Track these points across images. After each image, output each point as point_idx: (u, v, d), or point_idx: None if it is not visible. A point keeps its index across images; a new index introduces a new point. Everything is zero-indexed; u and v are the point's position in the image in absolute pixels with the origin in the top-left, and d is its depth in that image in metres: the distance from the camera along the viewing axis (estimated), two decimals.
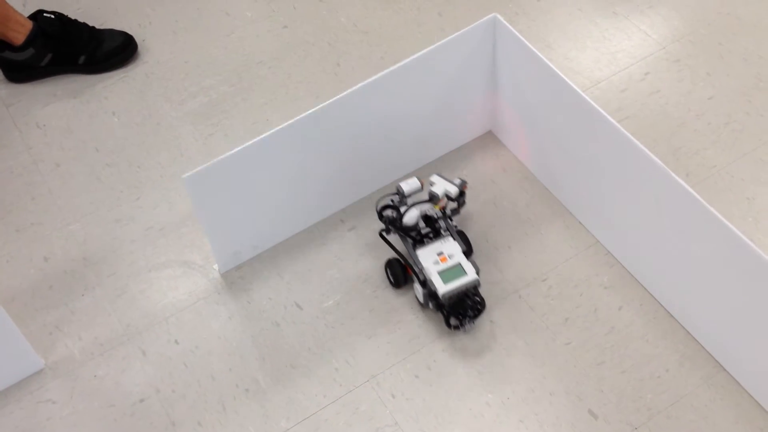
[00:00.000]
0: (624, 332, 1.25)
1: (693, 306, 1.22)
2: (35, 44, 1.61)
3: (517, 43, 1.28)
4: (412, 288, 1.30)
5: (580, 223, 1.38)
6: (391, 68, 1.26)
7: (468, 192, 1.42)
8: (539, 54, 1.25)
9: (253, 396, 1.22)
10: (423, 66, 1.30)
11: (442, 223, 1.28)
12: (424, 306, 1.27)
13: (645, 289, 1.29)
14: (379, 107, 1.31)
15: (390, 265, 1.30)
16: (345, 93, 1.25)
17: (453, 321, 1.24)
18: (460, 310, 1.23)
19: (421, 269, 1.23)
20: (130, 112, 1.60)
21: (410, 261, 1.27)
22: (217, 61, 1.67)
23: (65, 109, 1.61)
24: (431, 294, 1.23)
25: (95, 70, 1.66)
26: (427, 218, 1.28)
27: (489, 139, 1.50)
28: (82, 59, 1.65)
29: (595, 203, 1.33)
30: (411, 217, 1.26)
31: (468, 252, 1.28)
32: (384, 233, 1.30)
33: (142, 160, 1.53)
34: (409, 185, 1.29)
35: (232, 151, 1.19)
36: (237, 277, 1.36)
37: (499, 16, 1.30)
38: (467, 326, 1.24)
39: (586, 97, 1.20)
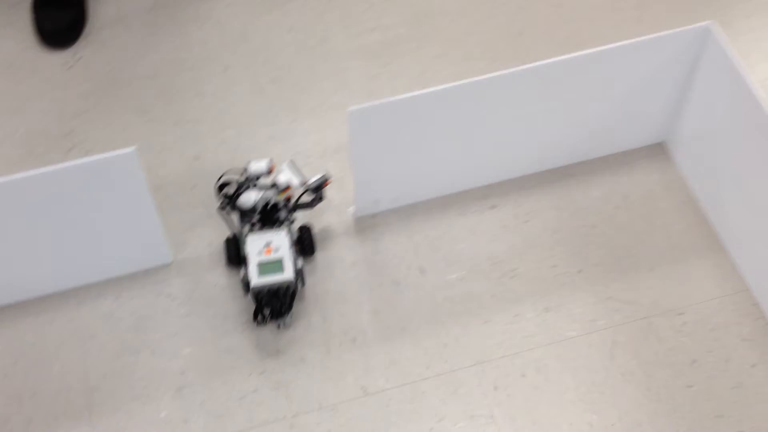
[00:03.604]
0: (752, 391, 1.18)
1: None
2: None
3: (728, 59, 1.19)
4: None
5: (733, 264, 1.29)
6: (583, 53, 1.19)
7: (621, 200, 1.36)
8: (748, 79, 1.16)
9: (359, 347, 1.23)
10: (616, 58, 1.22)
11: (282, 214, 1.23)
12: (244, 293, 1.24)
13: None
14: (554, 90, 1.25)
15: (227, 242, 1.27)
16: (526, 67, 1.19)
17: (259, 317, 1.21)
18: (276, 305, 1.20)
19: (245, 255, 1.19)
20: (305, 32, 1.60)
21: (241, 244, 1.23)
22: (400, 0, 1.64)
23: (245, 13, 1.62)
24: (247, 282, 1.20)
25: None
26: (270, 206, 1.23)
27: (658, 151, 1.42)
28: None
29: (757, 247, 1.24)
30: (247, 199, 1.21)
31: (307, 251, 1.26)
32: (221, 210, 1.25)
33: (305, 83, 1.53)
34: (255, 166, 1.23)
35: (402, 96, 1.16)
36: (369, 225, 1.35)
37: (716, 25, 1.20)
38: (279, 323, 1.22)
39: None
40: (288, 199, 1.26)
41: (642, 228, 1.33)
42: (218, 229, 1.34)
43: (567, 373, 1.20)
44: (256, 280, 1.18)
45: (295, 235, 1.28)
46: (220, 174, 1.28)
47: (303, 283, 1.25)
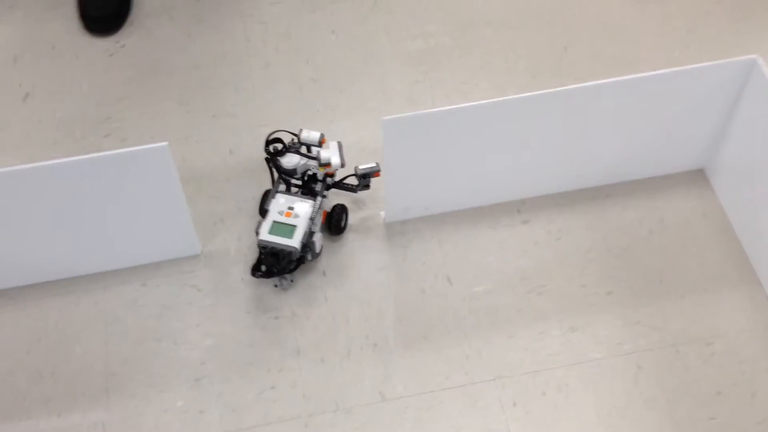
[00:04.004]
0: None
1: None
2: None
3: None
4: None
5: (767, 297, 1.27)
6: (626, 77, 1.18)
7: (656, 224, 1.34)
8: None
9: (380, 352, 1.22)
10: (659, 85, 1.21)
11: (318, 186, 1.27)
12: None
13: None
14: (595, 111, 1.24)
15: (265, 193, 1.33)
16: (568, 88, 1.18)
17: (257, 272, 1.23)
18: (272, 265, 1.22)
19: (266, 211, 1.24)
20: (348, 34, 1.60)
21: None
22: (446, 8, 1.63)
23: (290, 13, 1.63)
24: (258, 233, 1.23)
25: None
26: (310, 175, 1.28)
27: (698, 177, 1.40)
28: None
29: None
30: (289, 161, 1.25)
31: (333, 229, 1.30)
32: (267, 161, 1.29)
33: (344, 85, 1.53)
34: (308, 134, 1.27)
35: (438, 109, 1.16)
36: (399, 231, 1.34)
37: (760, 60, 1.18)
38: (275, 282, 1.26)
39: None
40: (329, 176, 1.29)
41: (676, 254, 1.31)
42: (248, 224, 1.34)
43: (588, 394, 1.18)
44: (264, 235, 1.21)
45: (328, 208, 1.30)
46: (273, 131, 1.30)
47: (313, 257, 1.26)
